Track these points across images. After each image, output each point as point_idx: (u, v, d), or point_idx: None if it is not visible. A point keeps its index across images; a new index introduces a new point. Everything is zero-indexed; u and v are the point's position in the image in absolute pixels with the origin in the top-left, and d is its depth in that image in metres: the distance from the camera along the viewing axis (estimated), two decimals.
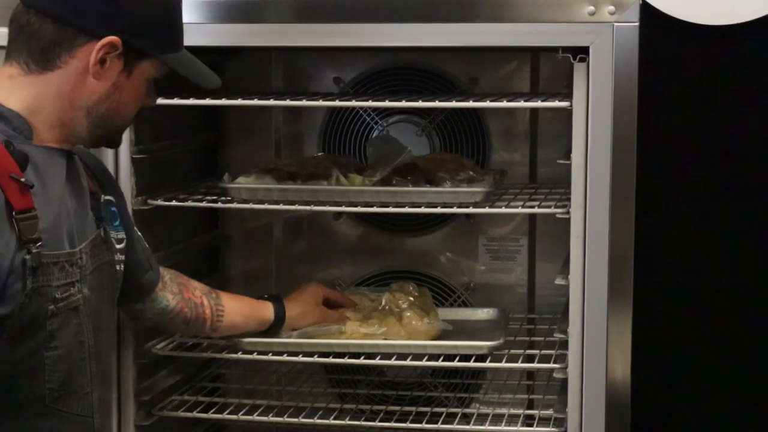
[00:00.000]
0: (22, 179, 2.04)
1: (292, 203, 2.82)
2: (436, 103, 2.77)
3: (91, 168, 2.37)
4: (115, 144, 2.35)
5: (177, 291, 2.63)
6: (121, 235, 2.38)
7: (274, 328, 2.81)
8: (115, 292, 2.35)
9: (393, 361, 2.79)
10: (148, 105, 2.30)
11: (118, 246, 2.35)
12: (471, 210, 2.81)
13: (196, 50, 2.88)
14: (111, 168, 2.70)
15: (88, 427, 2.20)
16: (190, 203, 2.82)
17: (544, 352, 2.84)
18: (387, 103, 2.81)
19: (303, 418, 2.87)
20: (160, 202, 2.81)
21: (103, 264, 2.26)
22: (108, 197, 2.36)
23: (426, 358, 2.80)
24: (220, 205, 2.85)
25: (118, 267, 2.34)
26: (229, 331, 2.77)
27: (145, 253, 2.54)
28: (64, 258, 2.12)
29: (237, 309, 2.76)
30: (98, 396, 2.22)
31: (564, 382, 2.66)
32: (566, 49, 2.53)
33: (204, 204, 2.85)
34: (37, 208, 2.06)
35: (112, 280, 2.32)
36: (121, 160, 2.72)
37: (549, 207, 2.73)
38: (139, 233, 2.54)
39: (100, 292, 2.24)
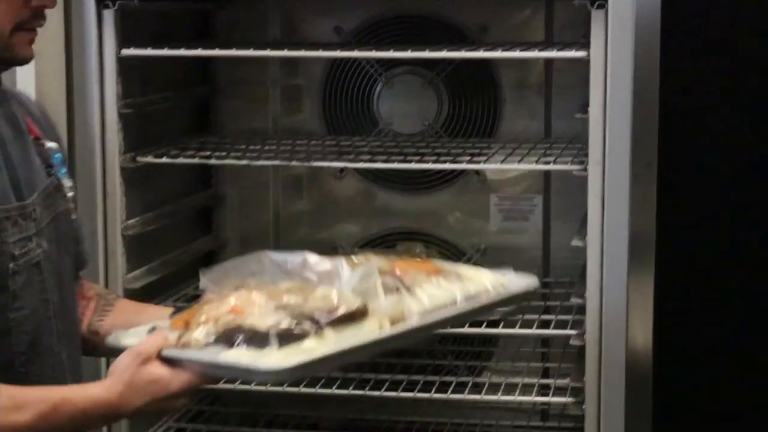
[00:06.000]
0: None
1: (289, 159, 2.81)
2: (444, 53, 2.74)
3: (30, 111, 2.25)
4: (21, 61, 2.14)
5: None
6: (70, 183, 2.26)
7: None
8: (74, 243, 2.29)
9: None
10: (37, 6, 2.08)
11: (69, 194, 2.25)
12: (480, 166, 2.79)
13: None
14: (96, 124, 2.70)
15: None
16: (181, 160, 2.80)
17: (559, 317, 2.84)
18: (392, 53, 2.79)
19: (304, 387, 2.87)
20: (149, 159, 2.80)
21: (59, 214, 2.20)
22: (51, 144, 2.25)
23: None
24: (213, 161, 2.84)
25: (73, 216, 2.27)
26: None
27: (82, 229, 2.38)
28: (15, 212, 2.07)
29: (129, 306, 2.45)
30: (67, 356, 2.19)
31: (581, 350, 2.66)
32: None
33: (197, 160, 2.84)
34: None
35: (70, 230, 2.25)
36: (107, 115, 2.71)
37: (565, 163, 2.72)
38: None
39: (60, 244, 2.20)
